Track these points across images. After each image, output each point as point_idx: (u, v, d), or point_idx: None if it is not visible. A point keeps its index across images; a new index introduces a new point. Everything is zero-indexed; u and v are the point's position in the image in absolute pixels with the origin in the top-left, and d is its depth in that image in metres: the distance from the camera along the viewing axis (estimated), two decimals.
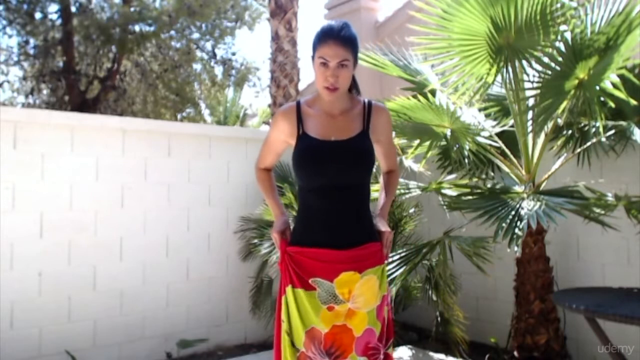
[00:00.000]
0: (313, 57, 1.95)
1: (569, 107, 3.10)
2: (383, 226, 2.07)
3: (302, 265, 1.96)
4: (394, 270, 3.25)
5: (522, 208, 2.87)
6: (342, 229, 1.95)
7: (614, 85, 2.76)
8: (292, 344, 1.94)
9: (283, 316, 1.98)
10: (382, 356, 1.96)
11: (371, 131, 2.02)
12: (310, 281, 1.94)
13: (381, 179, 2.26)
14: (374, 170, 2.13)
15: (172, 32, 11.75)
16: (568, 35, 3.11)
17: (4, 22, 11.13)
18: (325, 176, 1.94)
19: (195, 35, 12.12)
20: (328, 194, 1.95)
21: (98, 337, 3.90)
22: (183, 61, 12.06)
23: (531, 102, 3.38)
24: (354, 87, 2.08)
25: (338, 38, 1.89)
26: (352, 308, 1.93)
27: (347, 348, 1.91)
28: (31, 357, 3.62)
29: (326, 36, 1.90)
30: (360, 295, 1.94)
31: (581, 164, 3.73)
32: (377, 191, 2.35)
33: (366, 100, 2.07)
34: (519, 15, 3.07)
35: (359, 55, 2.09)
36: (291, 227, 2.11)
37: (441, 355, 3.95)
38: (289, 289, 1.97)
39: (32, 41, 11.54)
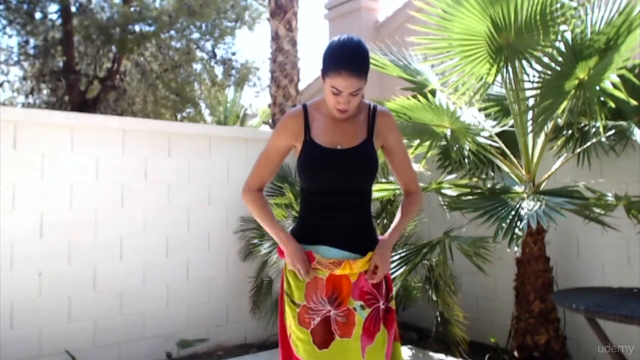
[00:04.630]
0: (323, 75, 1.89)
1: (569, 107, 3.10)
2: (381, 247, 1.99)
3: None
4: (394, 270, 3.25)
5: (522, 208, 2.87)
6: (344, 233, 1.97)
7: (614, 85, 2.76)
8: (292, 302, 1.95)
9: (286, 275, 2.00)
10: (382, 306, 1.97)
11: (375, 137, 2.04)
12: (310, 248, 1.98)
13: (401, 202, 2.15)
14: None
15: (172, 32, 11.77)
16: (568, 35, 3.11)
17: (4, 22, 11.14)
18: (330, 183, 1.97)
19: (195, 35, 12.15)
20: (331, 198, 1.98)
21: (98, 337, 3.90)
22: (183, 61, 12.08)
23: (531, 102, 3.38)
24: None
25: (352, 70, 1.82)
26: (350, 261, 1.95)
27: (345, 295, 1.92)
28: (31, 357, 3.62)
29: (340, 66, 1.82)
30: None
31: (581, 164, 3.73)
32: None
33: (372, 105, 2.07)
34: (519, 15, 3.07)
35: None
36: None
37: (441, 355, 3.95)
38: None
39: (32, 41, 11.56)
